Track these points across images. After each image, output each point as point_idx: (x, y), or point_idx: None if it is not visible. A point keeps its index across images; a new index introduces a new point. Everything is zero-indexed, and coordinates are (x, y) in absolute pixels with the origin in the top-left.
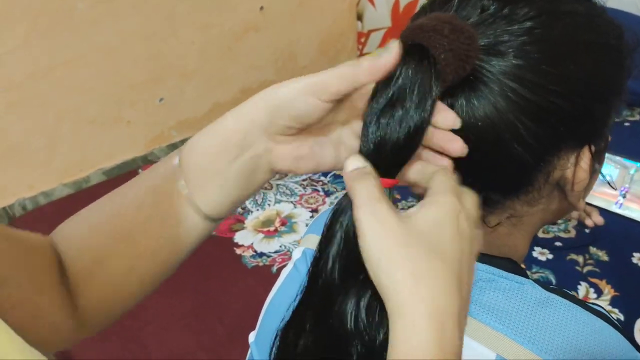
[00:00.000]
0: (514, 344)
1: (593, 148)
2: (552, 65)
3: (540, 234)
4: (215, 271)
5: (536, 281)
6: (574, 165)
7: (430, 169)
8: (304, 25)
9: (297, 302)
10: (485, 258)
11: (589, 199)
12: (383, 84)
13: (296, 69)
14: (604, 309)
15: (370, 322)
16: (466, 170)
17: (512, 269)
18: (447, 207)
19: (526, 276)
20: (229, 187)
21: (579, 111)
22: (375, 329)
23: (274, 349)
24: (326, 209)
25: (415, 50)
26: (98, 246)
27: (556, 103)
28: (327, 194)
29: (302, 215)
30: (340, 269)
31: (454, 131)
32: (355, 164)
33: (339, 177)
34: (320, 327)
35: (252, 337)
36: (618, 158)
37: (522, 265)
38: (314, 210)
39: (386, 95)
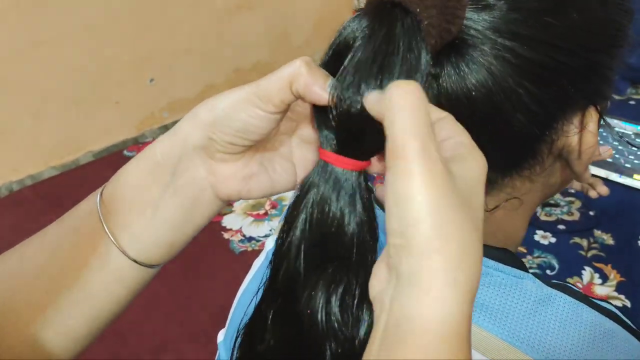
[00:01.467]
0: (511, 348)
1: (600, 108)
2: (553, 15)
3: (543, 217)
4: (201, 257)
5: (537, 275)
6: (579, 130)
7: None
8: (298, 2)
9: (258, 297)
10: None
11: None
12: (352, 43)
13: (291, 48)
14: (614, 307)
15: (346, 320)
16: None
17: (510, 261)
18: (482, 167)
19: (525, 269)
20: (161, 223)
21: (585, 66)
22: (351, 327)
23: (235, 349)
24: None
25: (391, 8)
26: (9, 294)
27: (561, 60)
28: None
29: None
30: (306, 259)
31: (444, 104)
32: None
33: None
34: (285, 326)
35: (220, 336)
36: (616, 121)
37: (523, 249)
38: None
39: (361, 64)
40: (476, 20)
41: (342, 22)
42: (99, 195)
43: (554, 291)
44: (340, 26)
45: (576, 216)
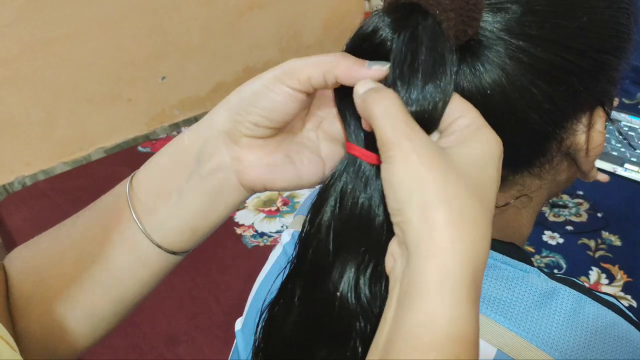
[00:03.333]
0: (517, 338)
1: (607, 108)
2: (564, 17)
3: (551, 218)
4: (214, 251)
5: (542, 270)
6: (587, 129)
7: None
8: (309, 2)
9: (285, 276)
10: None
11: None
12: (373, 48)
13: (301, 48)
14: (617, 300)
15: (375, 299)
16: None
17: (517, 255)
18: (493, 145)
19: (531, 263)
20: (185, 209)
21: (595, 67)
22: (379, 306)
23: (259, 328)
24: None
25: (412, 9)
26: (41, 269)
27: (571, 60)
28: None
29: (304, 195)
30: (335, 240)
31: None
32: (368, 85)
33: None
34: (312, 304)
35: (238, 324)
36: (623, 115)
37: (532, 249)
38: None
39: (391, 61)
40: (491, 22)
41: (352, 22)
42: (129, 180)
43: (559, 284)
44: (360, 23)
45: (584, 217)
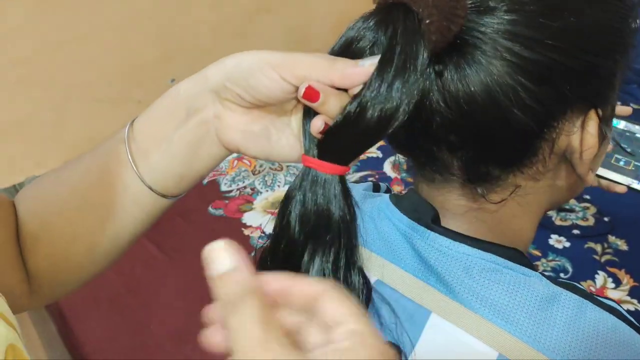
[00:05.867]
0: (519, 342)
1: (600, 112)
2: (550, 17)
3: (558, 222)
4: None
5: (544, 274)
6: (581, 131)
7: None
8: (318, 5)
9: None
10: (489, 246)
11: (606, 174)
12: (358, 43)
13: (310, 51)
14: (619, 305)
15: (338, 279)
16: (462, 143)
17: (519, 260)
18: (379, 351)
19: (533, 268)
20: (172, 156)
21: (583, 68)
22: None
23: None
24: None
25: (396, 8)
26: (45, 210)
27: (557, 60)
28: None
29: None
30: (302, 231)
31: (447, 100)
32: (224, 265)
33: None
34: None
35: None
36: (638, 127)
37: (538, 253)
38: None
39: (380, 64)
40: (477, 22)
41: None
42: (129, 124)
43: (560, 289)
44: (349, 24)
45: (591, 221)
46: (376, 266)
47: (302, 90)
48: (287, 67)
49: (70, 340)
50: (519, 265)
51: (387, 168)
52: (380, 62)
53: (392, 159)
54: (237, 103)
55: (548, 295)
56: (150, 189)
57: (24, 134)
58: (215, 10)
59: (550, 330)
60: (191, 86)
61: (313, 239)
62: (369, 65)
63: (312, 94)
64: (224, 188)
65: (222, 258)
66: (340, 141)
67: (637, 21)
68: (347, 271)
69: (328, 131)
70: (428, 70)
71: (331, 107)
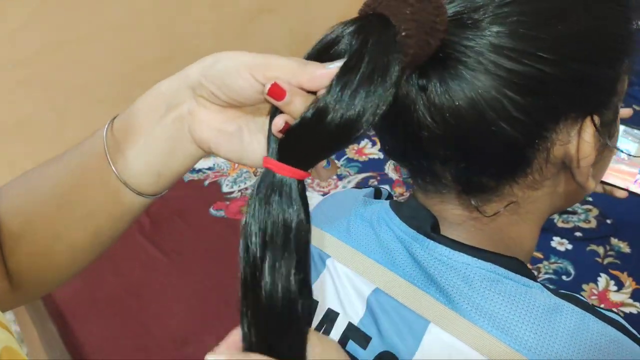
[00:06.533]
0: (518, 355)
1: (597, 119)
2: (535, 27)
3: (560, 224)
4: (223, 253)
5: (545, 285)
6: (577, 139)
7: None
8: (319, 6)
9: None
10: (489, 255)
11: (606, 178)
12: (336, 47)
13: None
14: (621, 318)
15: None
16: (453, 156)
17: (519, 270)
18: None
19: (534, 278)
20: (150, 152)
21: (573, 77)
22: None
23: None
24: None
25: (375, 19)
26: (28, 208)
27: (545, 71)
28: (340, 177)
29: (313, 199)
30: (262, 239)
31: (433, 114)
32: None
33: (353, 160)
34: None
35: None
36: (637, 131)
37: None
38: (326, 194)
39: (352, 74)
40: (461, 36)
41: None
42: (110, 121)
43: (562, 301)
44: (328, 29)
45: (593, 224)
46: (376, 274)
47: (267, 87)
48: (259, 69)
49: (70, 341)
50: (519, 276)
51: (389, 169)
52: (343, 67)
53: None
54: (211, 101)
55: (549, 307)
56: (126, 184)
57: (25, 134)
58: (216, 10)
59: (551, 342)
60: (172, 83)
61: (270, 250)
62: (335, 68)
63: (277, 92)
64: (225, 189)
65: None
66: (301, 144)
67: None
68: (295, 277)
69: (288, 131)
70: (410, 83)
71: (297, 107)
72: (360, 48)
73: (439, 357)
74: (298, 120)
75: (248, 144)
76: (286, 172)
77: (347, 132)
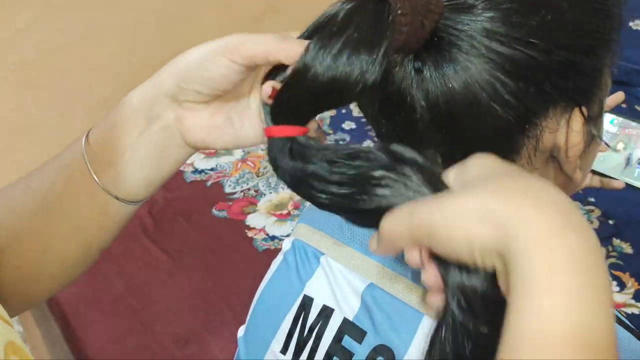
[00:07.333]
0: None
1: (585, 110)
2: (525, 15)
3: None
4: (225, 253)
5: None
6: (566, 129)
7: None
8: (326, 6)
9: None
10: None
11: (604, 170)
12: (331, 28)
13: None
14: (615, 309)
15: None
16: (443, 139)
17: None
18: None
19: None
20: (139, 165)
21: (562, 65)
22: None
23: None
24: None
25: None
26: (13, 223)
27: (534, 57)
28: None
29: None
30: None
31: (428, 96)
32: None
33: None
34: None
35: (241, 331)
36: (635, 124)
37: None
38: None
39: (334, 39)
40: (456, 20)
41: None
42: (85, 136)
43: None
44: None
45: (595, 224)
46: (369, 269)
47: (266, 94)
48: (234, 51)
49: (73, 341)
50: None
51: None
52: (325, 31)
53: None
54: (197, 100)
55: None
56: (116, 197)
57: (29, 135)
58: (220, 11)
59: None
60: (144, 95)
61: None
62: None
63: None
64: (227, 190)
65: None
66: (291, 103)
67: (622, 17)
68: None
69: (277, 95)
70: (405, 67)
71: None
72: (348, 16)
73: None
74: (282, 83)
75: (239, 127)
76: (287, 131)
77: (332, 92)
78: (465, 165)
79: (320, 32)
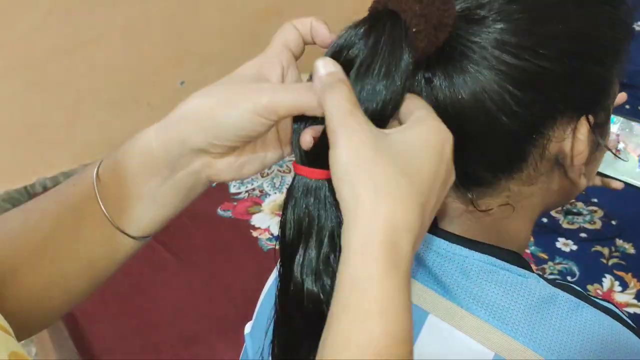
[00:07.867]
0: (515, 342)
1: (592, 119)
2: (536, 25)
3: (565, 225)
4: (230, 253)
5: (541, 276)
6: (572, 137)
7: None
8: (329, 8)
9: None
10: (484, 247)
11: (603, 169)
12: (348, 52)
13: (320, 54)
14: (615, 306)
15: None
16: (454, 147)
17: (515, 261)
18: (431, 133)
19: (530, 269)
20: (160, 207)
21: (571, 75)
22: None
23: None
24: None
25: (385, 16)
26: (12, 256)
27: (544, 67)
28: None
29: None
30: (297, 233)
31: (436, 108)
32: (329, 67)
33: None
34: (285, 300)
35: (248, 328)
36: (634, 124)
37: (545, 256)
38: None
39: (355, 64)
40: (467, 31)
41: None
42: (95, 179)
43: (557, 290)
44: (339, 32)
45: (598, 225)
46: None
47: (307, 142)
48: (271, 112)
49: (79, 341)
50: (515, 267)
51: None
52: (358, 68)
53: None
54: (229, 152)
55: (545, 296)
56: (133, 237)
57: (36, 136)
58: (225, 13)
59: (546, 330)
60: (165, 145)
61: (304, 242)
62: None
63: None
64: (232, 190)
65: (329, 64)
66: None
67: (632, 27)
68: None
69: (317, 143)
70: (417, 76)
71: None
72: (372, 49)
73: (438, 347)
74: (323, 134)
75: (264, 156)
76: (318, 175)
77: (380, 118)
78: (406, 134)
79: (345, 67)
